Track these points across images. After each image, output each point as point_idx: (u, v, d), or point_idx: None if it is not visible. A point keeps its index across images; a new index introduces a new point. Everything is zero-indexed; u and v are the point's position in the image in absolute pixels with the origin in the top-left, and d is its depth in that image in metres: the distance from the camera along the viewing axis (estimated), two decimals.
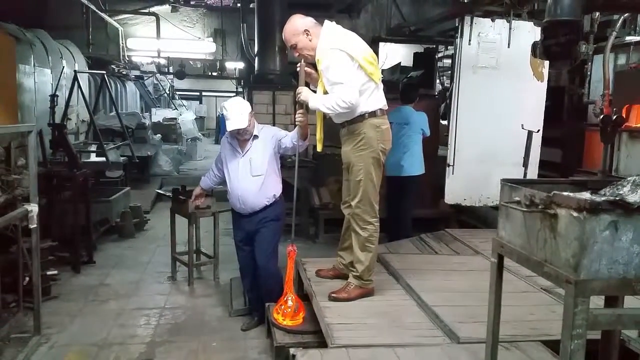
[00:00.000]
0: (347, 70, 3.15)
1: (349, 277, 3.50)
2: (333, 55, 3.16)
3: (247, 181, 3.74)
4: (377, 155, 3.33)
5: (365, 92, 3.24)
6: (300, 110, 3.41)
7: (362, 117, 3.28)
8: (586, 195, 1.69)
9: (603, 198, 1.64)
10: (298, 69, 3.41)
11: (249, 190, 3.74)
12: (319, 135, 3.48)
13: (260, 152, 3.75)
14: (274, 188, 3.81)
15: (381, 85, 3.37)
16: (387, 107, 3.41)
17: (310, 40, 3.28)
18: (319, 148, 3.53)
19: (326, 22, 3.33)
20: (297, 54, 3.35)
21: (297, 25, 3.30)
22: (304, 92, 3.32)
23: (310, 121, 3.57)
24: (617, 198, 1.63)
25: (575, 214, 1.65)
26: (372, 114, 3.29)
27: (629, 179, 1.78)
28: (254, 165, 3.73)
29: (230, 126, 3.64)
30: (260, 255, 3.80)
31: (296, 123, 3.50)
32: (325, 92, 3.27)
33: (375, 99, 3.31)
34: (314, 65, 3.36)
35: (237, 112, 3.64)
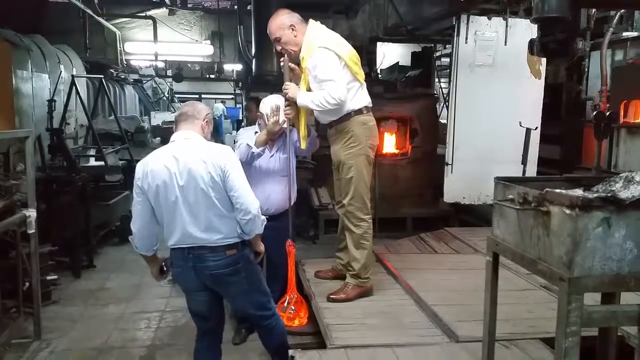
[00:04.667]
0: (335, 68, 3.19)
1: (346, 277, 3.50)
2: (321, 53, 3.19)
3: (276, 181, 3.67)
4: (366, 151, 3.36)
5: (350, 91, 3.27)
6: (288, 105, 3.40)
7: (348, 116, 3.31)
8: (578, 192, 1.68)
9: (595, 195, 1.64)
10: (281, 63, 3.42)
11: (278, 191, 3.67)
12: (303, 132, 3.50)
13: (288, 152, 3.69)
14: (295, 191, 3.72)
15: (364, 85, 3.40)
16: (371, 105, 3.44)
17: (295, 36, 3.31)
18: (303, 145, 3.54)
19: (311, 21, 3.37)
20: (280, 47, 3.37)
21: (284, 19, 3.33)
22: (291, 89, 3.33)
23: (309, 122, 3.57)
24: (609, 194, 1.63)
25: (567, 211, 1.65)
26: (359, 112, 3.33)
27: (621, 175, 1.77)
28: (283, 165, 3.67)
29: None
30: (282, 258, 3.60)
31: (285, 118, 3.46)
32: (309, 89, 3.30)
33: (360, 97, 3.35)
34: (296, 63, 3.38)
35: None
